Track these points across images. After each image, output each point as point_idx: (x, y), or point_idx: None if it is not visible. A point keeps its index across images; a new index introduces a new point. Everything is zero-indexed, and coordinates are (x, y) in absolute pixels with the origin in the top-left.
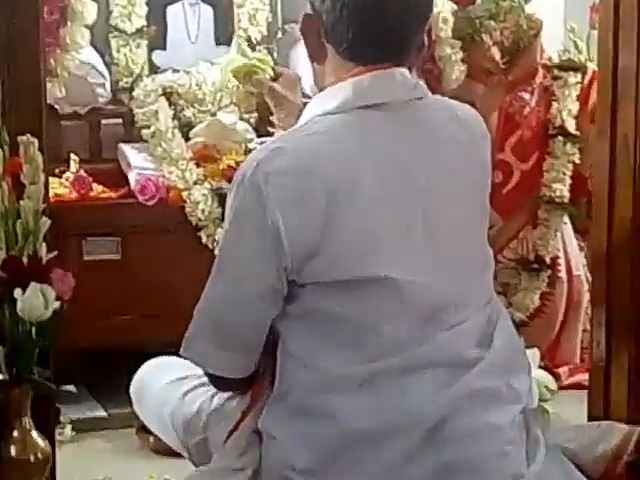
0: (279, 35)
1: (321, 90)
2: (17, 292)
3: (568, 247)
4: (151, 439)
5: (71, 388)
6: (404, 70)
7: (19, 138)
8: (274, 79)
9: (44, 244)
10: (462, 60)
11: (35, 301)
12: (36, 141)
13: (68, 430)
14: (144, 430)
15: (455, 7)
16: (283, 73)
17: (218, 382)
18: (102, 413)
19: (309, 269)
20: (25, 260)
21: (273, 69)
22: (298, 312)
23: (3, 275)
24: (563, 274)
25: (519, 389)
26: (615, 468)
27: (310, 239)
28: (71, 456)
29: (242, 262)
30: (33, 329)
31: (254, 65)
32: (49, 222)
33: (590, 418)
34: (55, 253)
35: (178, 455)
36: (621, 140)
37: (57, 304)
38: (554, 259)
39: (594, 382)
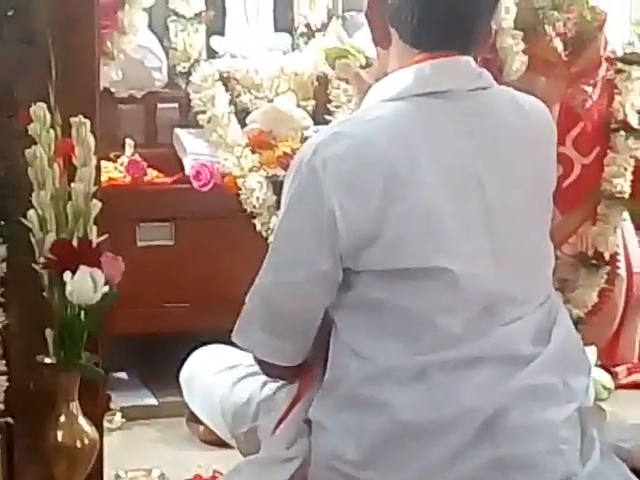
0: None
1: (384, 75)
2: (66, 275)
3: (628, 244)
4: (201, 429)
5: (122, 375)
6: (468, 59)
7: (71, 119)
8: (363, 67)
9: (95, 227)
10: (523, 51)
11: (84, 285)
12: (88, 122)
13: (118, 417)
14: (194, 419)
15: None
16: (374, 63)
17: (267, 368)
18: (153, 401)
19: (365, 257)
20: (75, 243)
21: (366, 58)
22: (353, 301)
23: (53, 258)
24: (622, 271)
25: (575, 387)
26: None
27: (366, 226)
28: (120, 444)
29: (296, 247)
30: (82, 313)
31: (347, 50)
32: (100, 205)
33: None
34: (106, 236)
35: (227, 446)
36: None
37: (106, 288)
38: (613, 255)
39: None
